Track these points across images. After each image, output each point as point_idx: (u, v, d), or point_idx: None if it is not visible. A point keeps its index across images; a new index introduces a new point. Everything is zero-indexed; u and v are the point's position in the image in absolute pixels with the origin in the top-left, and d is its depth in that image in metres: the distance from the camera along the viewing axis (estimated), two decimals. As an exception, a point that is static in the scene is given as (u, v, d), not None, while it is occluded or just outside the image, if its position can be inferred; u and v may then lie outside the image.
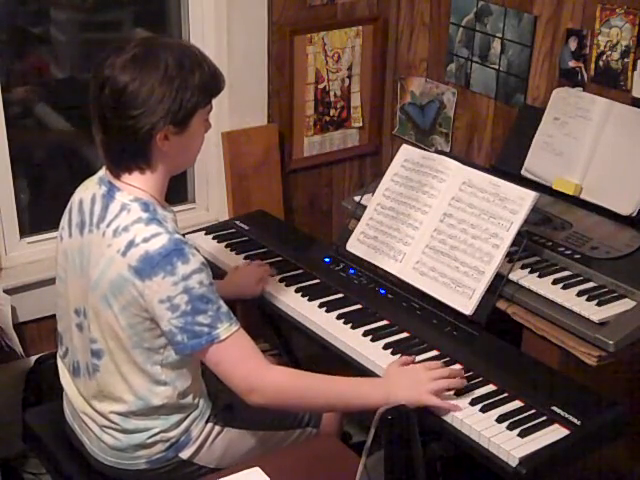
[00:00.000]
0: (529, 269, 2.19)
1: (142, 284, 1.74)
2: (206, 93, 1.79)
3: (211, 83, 1.80)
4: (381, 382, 1.90)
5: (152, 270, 1.73)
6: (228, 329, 1.78)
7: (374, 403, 1.80)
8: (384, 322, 2.16)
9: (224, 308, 1.79)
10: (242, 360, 1.81)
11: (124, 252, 1.75)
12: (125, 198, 1.80)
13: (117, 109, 1.73)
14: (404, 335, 2.11)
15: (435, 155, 2.37)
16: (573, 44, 2.56)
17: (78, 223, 1.87)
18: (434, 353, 2.04)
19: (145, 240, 1.74)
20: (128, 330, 1.80)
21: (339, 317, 2.18)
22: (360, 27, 3.08)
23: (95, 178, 1.90)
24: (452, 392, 1.88)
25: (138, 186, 1.81)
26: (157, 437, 1.91)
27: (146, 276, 1.73)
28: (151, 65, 1.72)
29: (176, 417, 1.92)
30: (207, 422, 1.97)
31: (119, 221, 1.78)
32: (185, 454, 1.95)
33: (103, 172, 1.88)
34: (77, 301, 1.90)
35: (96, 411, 1.93)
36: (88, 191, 1.88)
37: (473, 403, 1.86)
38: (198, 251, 1.79)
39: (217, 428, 1.99)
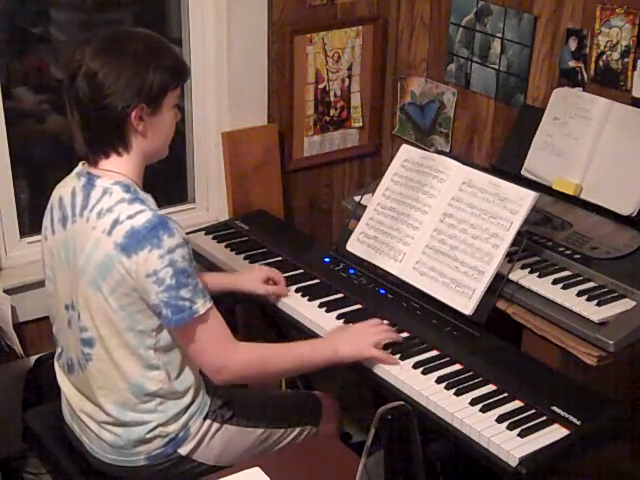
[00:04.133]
0: (529, 269, 2.19)
1: (129, 260, 1.77)
2: (175, 74, 1.86)
3: (179, 66, 1.89)
4: (328, 339, 2.05)
5: (138, 244, 1.76)
6: (204, 305, 1.83)
7: (325, 359, 1.99)
8: (384, 322, 2.16)
9: (200, 285, 1.84)
10: (215, 338, 1.87)
11: (109, 231, 1.79)
12: (106, 183, 1.84)
13: (91, 93, 1.79)
14: (404, 335, 2.11)
15: (435, 155, 2.38)
16: (573, 44, 2.56)
17: (60, 219, 1.90)
18: (434, 353, 2.04)
19: (130, 217, 1.78)
20: (120, 312, 1.83)
21: (339, 317, 2.18)
22: (360, 27, 3.08)
23: (72, 174, 1.93)
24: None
25: (117, 171, 1.85)
26: (156, 432, 1.92)
27: (133, 251, 1.76)
28: (121, 50, 1.81)
29: (174, 410, 1.93)
30: (206, 418, 1.98)
31: (102, 204, 1.82)
32: (184, 450, 1.96)
33: (80, 167, 1.92)
34: (66, 296, 1.92)
35: (94, 405, 1.94)
36: (67, 187, 1.91)
37: (473, 403, 1.86)
38: (181, 227, 1.83)
39: (216, 425, 2.00)
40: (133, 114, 1.80)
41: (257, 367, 1.93)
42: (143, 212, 1.78)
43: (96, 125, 1.83)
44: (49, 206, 1.96)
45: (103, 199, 1.82)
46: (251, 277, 2.30)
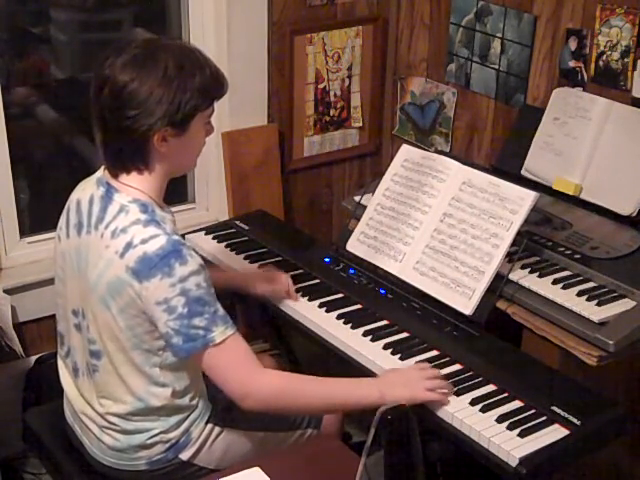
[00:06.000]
0: (529, 269, 2.19)
1: (140, 285, 1.74)
2: (206, 96, 1.78)
3: (212, 86, 1.80)
4: (375, 381, 1.91)
5: (150, 272, 1.72)
6: (223, 332, 1.77)
7: (370, 402, 1.83)
8: (384, 322, 2.16)
9: (221, 311, 1.78)
10: (237, 364, 1.81)
11: (122, 254, 1.75)
12: (124, 199, 1.79)
13: (115, 109, 1.73)
14: (404, 335, 2.11)
15: (435, 155, 2.38)
16: (573, 44, 2.56)
17: (76, 224, 1.87)
18: (434, 353, 2.04)
19: (143, 241, 1.74)
20: (127, 332, 1.80)
21: (339, 317, 2.18)
22: (360, 27, 3.08)
23: (93, 179, 1.89)
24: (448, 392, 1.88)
25: (136, 187, 1.80)
26: (157, 438, 1.91)
27: (144, 277, 1.73)
28: (151, 66, 1.72)
29: (175, 418, 1.92)
30: (207, 423, 1.97)
31: (117, 222, 1.78)
32: (185, 455, 1.95)
33: (101, 173, 1.87)
34: (75, 302, 1.90)
35: (96, 412, 1.93)
36: (86, 192, 1.88)
37: (473, 403, 1.86)
38: (196, 252, 1.79)
39: (217, 429, 1.99)
40: (156, 137, 1.74)
41: (284, 398, 1.84)
42: (157, 237, 1.74)
43: (117, 144, 1.78)
44: (66, 207, 1.92)
45: (119, 217, 1.78)
46: (252, 279, 2.28)
